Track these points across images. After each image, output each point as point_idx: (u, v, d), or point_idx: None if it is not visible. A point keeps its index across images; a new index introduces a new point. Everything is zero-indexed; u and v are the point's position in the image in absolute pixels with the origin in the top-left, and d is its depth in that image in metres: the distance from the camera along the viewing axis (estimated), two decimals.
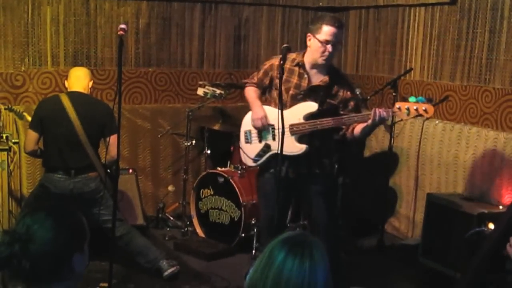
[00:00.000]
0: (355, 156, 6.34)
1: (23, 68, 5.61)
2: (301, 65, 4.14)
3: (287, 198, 4.37)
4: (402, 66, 6.02)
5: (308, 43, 4.10)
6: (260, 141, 4.28)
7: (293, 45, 6.27)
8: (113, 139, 4.48)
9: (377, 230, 5.71)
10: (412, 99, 3.85)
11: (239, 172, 5.48)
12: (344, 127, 4.12)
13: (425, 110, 3.79)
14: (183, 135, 5.98)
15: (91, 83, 4.75)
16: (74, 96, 4.58)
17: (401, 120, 4.32)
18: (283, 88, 4.04)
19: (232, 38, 6.53)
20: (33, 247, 1.91)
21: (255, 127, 4.28)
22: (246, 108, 6.69)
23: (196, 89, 5.88)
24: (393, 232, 6.01)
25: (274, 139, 4.19)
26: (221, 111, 6.35)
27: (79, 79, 4.67)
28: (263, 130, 4.25)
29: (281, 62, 3.82)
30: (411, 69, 5.76)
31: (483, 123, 5.15)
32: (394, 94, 5.49)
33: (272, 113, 4.19)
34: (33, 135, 4.55)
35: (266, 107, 4.26)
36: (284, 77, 4.06)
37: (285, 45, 3.91)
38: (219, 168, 5.66)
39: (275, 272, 1.83)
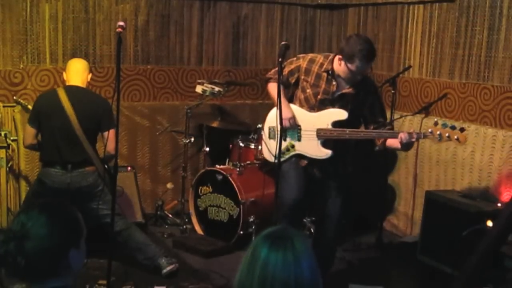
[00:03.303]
0: (354, 153, 6.33)
1: (21, 66, 5.61)
2: (330, 73, 4.17)
3: (309, 192, 4.37)
4: (401, 63, 6.02)
5: (338, 61, 4.11)
6: (284, 139, 4.28)
7: (292, 43, 6.31)
8: (111, 133, 4.47)
9: (376, 227, 5.72)
10: (444, 125, 3.89)
11: (238, 169, 5.48)
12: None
13: (458, 139, 3.83)
14: (181, 132, 5.98)
15: (89, 76, 4.73)
16: (72, 90, 4.57)
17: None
18: (311, 92, 4.22)
19: (231, 36, 6.53)
20: (28, 244, 1.92)
21: (283, 127, 4.24)
22: (245, 106, 6.75)
23: (195, 87, 5.87)
24: (391, 230, 6.01)
25: (299, 140, 4.25)
26: (220, 109, 6.34)
27: (77, 73, 4.65)
28: (289, 129, 4.25)
29: (279, 59, 3.84)
30: (409, 66, 5.76)
31: (482, 120, 5.15)
32: (393, 91, 5.50)
33: (299, 113, 4.24)
34: (31, 129, 4.56)
35: (293, 107, 4.28)
36: (312, 81, 4.21)
37: (283, 42, 3.91)
38: (217, 166, 5.66)
39: (260, 269, 1.83)
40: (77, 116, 4.47)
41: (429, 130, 3.91)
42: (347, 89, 4.16)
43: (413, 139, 3.93)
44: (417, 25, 5.82)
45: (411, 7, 5.89)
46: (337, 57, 4.13)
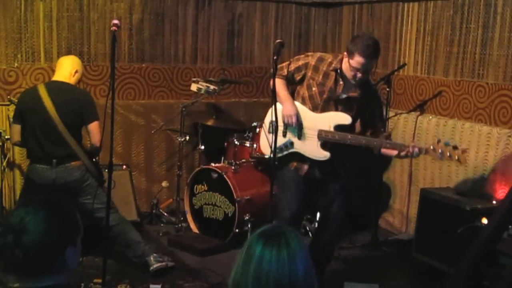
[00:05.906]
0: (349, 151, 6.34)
1: (16, 64, 5.59)
2: (338, 72, 4.13)
3: (309, 195, 4.35)
4: (395, 61, 6.02)
5: (345, 59, 4.10)
6: (284, 136, 4.24)
7: (286, 41, 6.31)
8: (94, 126, 4.46)
9: (371, 225, 5.72)
10: (446, 143, 3.90)
11: (233, 167, 5.48)
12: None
13: (458, 160, 3.86)
14: (177, 131, 5.97)
15: (74, 71, 4.62)
16: (51, 86, 4.54)
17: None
18: (317, 90, 4.17)
19: (226, 34, 6.52)
20: (26, 238, 1.92)
21: (286, 123, 4.21)
22: (240, 104, 6.74)
23: (190, 85, 5.87)
24: (386, 227, 6.02)
25: (299, 138, 4.21)
26: (215, 107, 6.34)
27: (61, 68, 4.63)
28: (290, 126, 4.22)
29: (274, 57, 3.83)
30: (404, 64, 5.76)
31: (477, 118, 5.16)
32: (388, 89, 5.51)
33: (302, 112, 4.20)
34: (15, 127, 4.56)
35: (298, 105, 4.23)
36: (319, 79, 4.16)
37: (278, 40, 3.90)
38: (213, 164, 5.65)
39: (254, 266, 1.83)
40: (57, 111, 4.43)
41: (431, 147, 3.92)
42: (353, 93, 4.14)
43: (416, 154, 4.01)
44: (412, 23, 5.82)
45: (405, 5, 5.89)
46: (344, 55, 4.11)
